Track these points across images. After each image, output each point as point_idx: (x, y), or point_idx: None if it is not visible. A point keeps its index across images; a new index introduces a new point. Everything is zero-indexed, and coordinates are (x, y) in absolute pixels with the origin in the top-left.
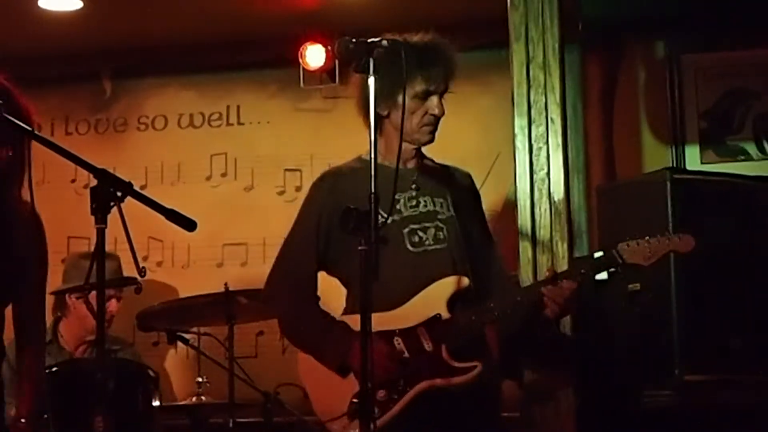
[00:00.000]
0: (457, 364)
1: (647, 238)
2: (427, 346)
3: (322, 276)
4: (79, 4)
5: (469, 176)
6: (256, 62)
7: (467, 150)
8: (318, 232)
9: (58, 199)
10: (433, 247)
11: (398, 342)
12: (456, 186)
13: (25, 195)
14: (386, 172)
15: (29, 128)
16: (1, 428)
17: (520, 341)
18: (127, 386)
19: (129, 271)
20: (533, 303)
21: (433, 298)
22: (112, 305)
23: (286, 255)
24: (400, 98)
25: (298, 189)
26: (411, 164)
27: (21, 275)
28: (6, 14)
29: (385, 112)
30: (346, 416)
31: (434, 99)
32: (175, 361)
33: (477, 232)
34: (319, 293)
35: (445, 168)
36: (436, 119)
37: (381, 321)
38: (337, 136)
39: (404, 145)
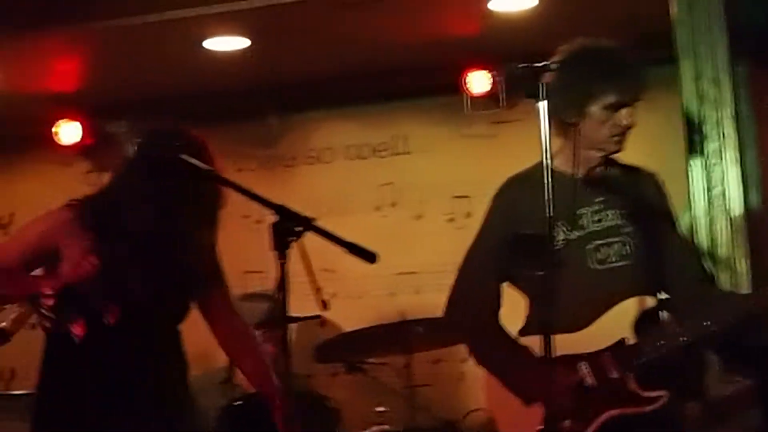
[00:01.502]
0: (644, 394)
1: None
2: (614, 372)
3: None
4: (247, 43)
5: (656, 177)
6: (420, 90)
7: None
8: (499, 247)
9: (232, 235)
10: (618, 263)
11: (585, 367)
12: (642, 193)
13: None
14: (568, 181)
15: (207, 167)
16: None
17: (731, 351)
18: (308, 418)
19: (305, 305)
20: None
21: (618, 320)
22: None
23: (467, 269)
24: (590, 107)
25: (468, 216)
26: (596, 174)
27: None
28: (174, 56)
29: (573, 120)
30: None
31: (626, 110)
32: (353, 392)
33: (666, 241)
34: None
35: (631, 172)
36: (626, 130)
37: (565, 343)
38: (505, 161)
39: (591, 153)
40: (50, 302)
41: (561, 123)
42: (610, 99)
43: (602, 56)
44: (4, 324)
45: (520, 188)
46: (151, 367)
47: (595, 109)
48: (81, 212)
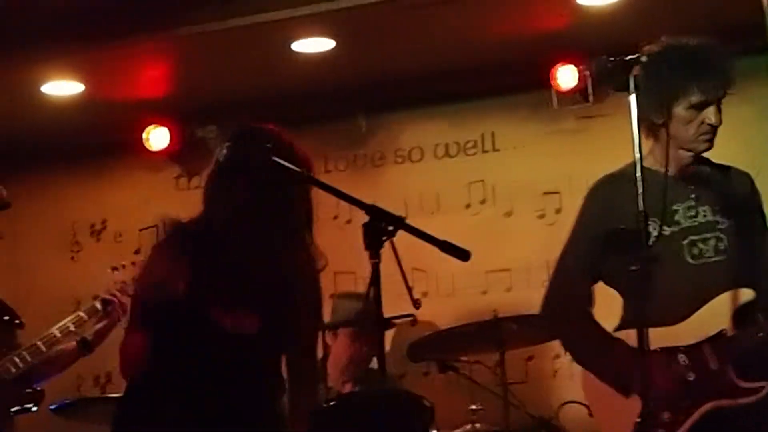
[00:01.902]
0: (744, 385)
1: None
2: (713, 364)
3: (597, 288)
4: (332, 44)
5: (748, 176)
6: (507, 87)
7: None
8: (592, 244)
9: (322, 236)
10: (714, 258)
11: (683, 360)
12: (735, 190)
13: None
14: (661, 179)
15: (299, 170)
16: None
17: None
18: (405, 417)
19: (397, 305)
20: None
21: (717, 313)
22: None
23: (561, 267)
24: (675, 108)
25: (558, 212)
26: (689, 172)
27: (296, 321)
28: (262, 59)
29: (660, 121)
30: None
31: (711, 108)
32: (446, 391)
33: (759, 238)
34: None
35: (724, 170)
36: (714, 128)
37: (662, 337)
38: (595, 156)
39: (681, 152)
40: None
41: (648, 124)
42: (694, 98)
43: (685, 56)
44: (87, 335)
45: (613, 187)
46: (245, 384)
47: (679, 109)
48: (181, 236)
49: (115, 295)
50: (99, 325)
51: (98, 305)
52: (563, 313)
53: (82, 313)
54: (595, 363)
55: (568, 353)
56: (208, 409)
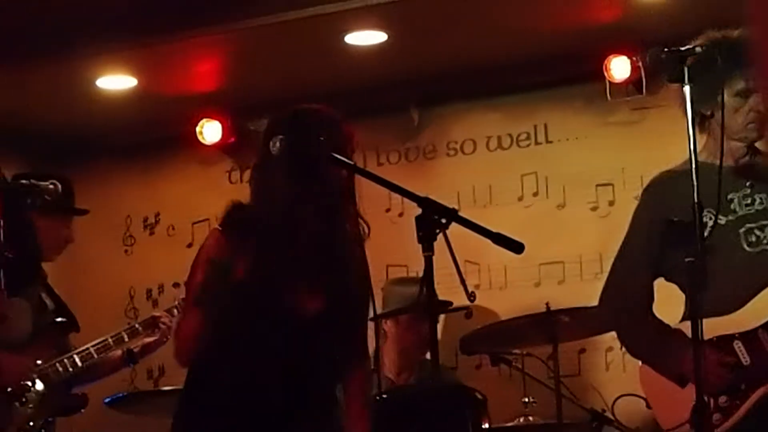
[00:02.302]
0: None
1: None
2: None
3: (659, 283)
4: (384, 37)
5: None
6: (560, 79)
7: None
8: (652, 239)
9: (374, 229)
10: None
11: (738, 346)
12: None
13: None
14: (715, 171)
15: (352, 163)
16: None
17: None
18: (457, 410)
19: (450, 298)
20: None
21: None
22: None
23: (620, 263)
24: (721, 97)
25: (611, 204)
26: (743, 161)
27: (352, 305)
28: (314, 51)
29: (709, 112)
30: (687, 424)
31: (757, 96)
32: (498, 383)
33: None
34: (656, 301)
35: None
36: (762, 115)
37: (719, 325)
38: (648, 148)
39: (733, 144)
40: None
41: (699, 117)
42: (740, 86)
43: (730, 46)
44: (134, 347)
45: (670, 182)
46: (309, 367)
47: (726, 97)
48: (232, 228)
49: (172, 312)
50: (148, 340)
51: (154, 317)
52: (622, 306)
53: (138, 326)
54: (653, 355)
55: (623, 346)
56: (270, 395)
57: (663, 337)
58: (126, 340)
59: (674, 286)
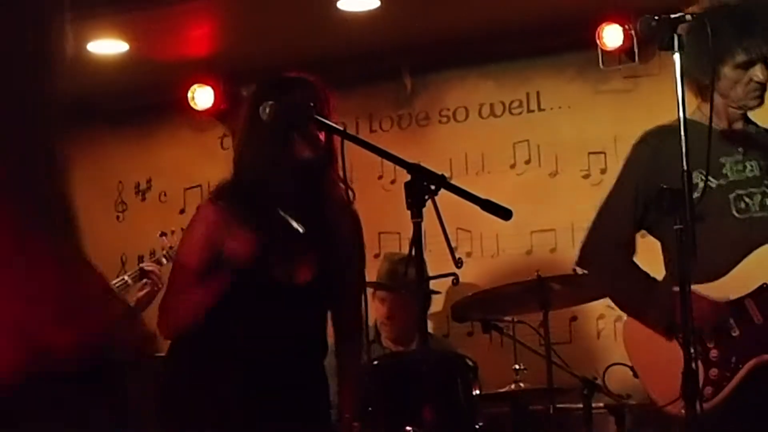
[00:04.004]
0: None
1: None
2: (756, 319)
3: (640, 239)
4: (377, 3)
5: None
6: (553, 47)
7: None
8: (637, 195)
9: (367, 197)
10: (759, 214)
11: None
12: None
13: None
14: (706, 130)
15: (342, 129)
16: (326, 425)
17: None
18: (448, 377)
19: (441, 265)
20: None
21: (758, 267)
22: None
23: (604, 214)
24: (723, 69)
25: (603, 171)
26: (737, 129)
27: (342, 273)
28: (306, 17)
29: (708, 81)
30: (680, 399)
31: (757, 66)
32: (489, 351)
33: None
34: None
35: None
36: (762, 85)
37: (704, 292)
38: (641, 116)
39: (731, 110)
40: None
41: (696, 85)
42: (740, 58)
43: (728, 15)
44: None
45: (660, 139)
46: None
47: (726, 69)
48: (226, 198)
49: (160, 261)
50: (140, 294)
51: (142, 269)
52: (605, 259)
53: (127, 278)
54: (638, 306)
55: (610, 299)
56: (255, 364)
57: (647, 286)
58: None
59: (655, 242)
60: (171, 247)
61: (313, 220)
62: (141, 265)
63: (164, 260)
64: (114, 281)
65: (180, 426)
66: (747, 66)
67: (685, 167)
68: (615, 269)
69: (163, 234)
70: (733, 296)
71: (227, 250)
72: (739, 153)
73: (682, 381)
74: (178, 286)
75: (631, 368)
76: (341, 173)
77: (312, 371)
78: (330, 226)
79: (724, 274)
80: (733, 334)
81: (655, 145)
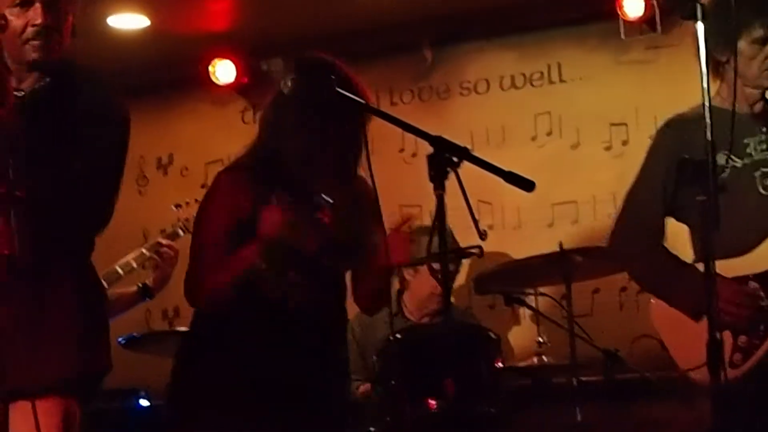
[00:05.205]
0: None
1: None
2: None
3: (669, 223)
4: None
5: None
6: (574, 18)
7: None
8: (665, 179)
9: (388, 169)
10: None
11: (754, 286)
12: None
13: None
14: (729, 117)
15: (363, 101)
16: (345, 400)
17: None
18: (471, 349)
19: (463, 238)
20: None
21: None
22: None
23: (633, 201)
24: (739, 44)
25: (625, 143)
26: (758, 108)
27: (360, 247)
28: None
29: (724, 58)
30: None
31: None
32: (511, 323)
33: None
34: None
35: None
36: None
37: (732, 267)
38: (663, 87)
39: (748, 90)
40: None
41: (714, 62)
42: (757, 33)
43: None
44: (148, 281)
45: (683, 125)
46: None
47: (743, 44)
48: (249, 170)
49: (177, 234)
50: (156, 273)
51: (159, 243)
52: (634, 244)
53: (144, 250)
54: (666, 288)
55: (635, 281)
56: (278, 334)
57: (676, 269)
58: (135, 266)
59: (684, 228)
60: (187, 219)
61: (335, 192)
62: (159, 239)
63: (180, 232)
64: (132, 254)
65: (197, 400)
66: (764, 42)
67: (709, 137)
68: (643, 252)
69: (177, 206)
70: (760, 269)
71: (258, 219)
72: (763, 133)
73: (707, 348)
74: (208, 258)
75: (660, 341)
76: (365, 150)
77: (332, 340)
78: (351, 198)
79: (751, 249)
80: (762, 304)
81: (677, 131)
